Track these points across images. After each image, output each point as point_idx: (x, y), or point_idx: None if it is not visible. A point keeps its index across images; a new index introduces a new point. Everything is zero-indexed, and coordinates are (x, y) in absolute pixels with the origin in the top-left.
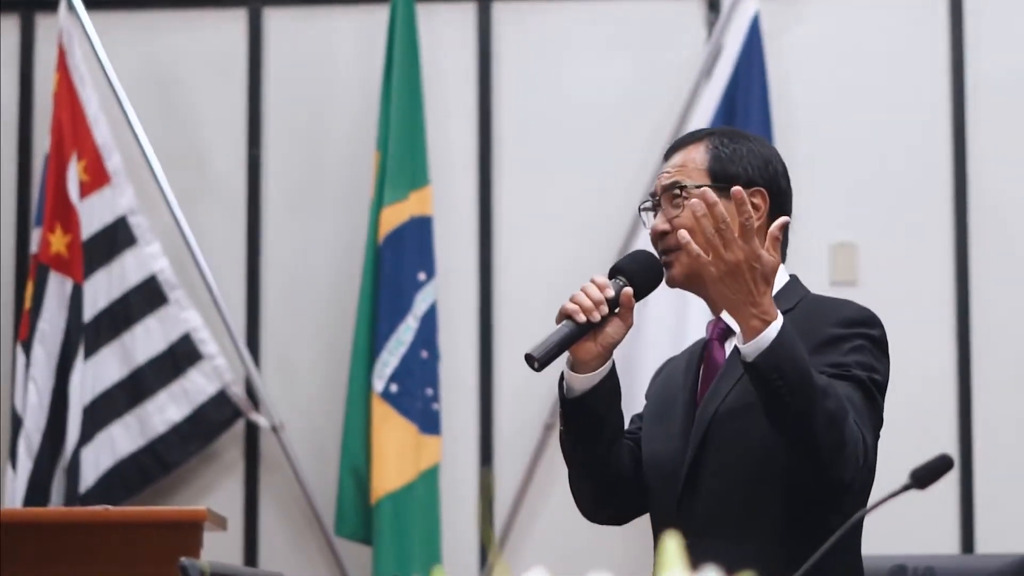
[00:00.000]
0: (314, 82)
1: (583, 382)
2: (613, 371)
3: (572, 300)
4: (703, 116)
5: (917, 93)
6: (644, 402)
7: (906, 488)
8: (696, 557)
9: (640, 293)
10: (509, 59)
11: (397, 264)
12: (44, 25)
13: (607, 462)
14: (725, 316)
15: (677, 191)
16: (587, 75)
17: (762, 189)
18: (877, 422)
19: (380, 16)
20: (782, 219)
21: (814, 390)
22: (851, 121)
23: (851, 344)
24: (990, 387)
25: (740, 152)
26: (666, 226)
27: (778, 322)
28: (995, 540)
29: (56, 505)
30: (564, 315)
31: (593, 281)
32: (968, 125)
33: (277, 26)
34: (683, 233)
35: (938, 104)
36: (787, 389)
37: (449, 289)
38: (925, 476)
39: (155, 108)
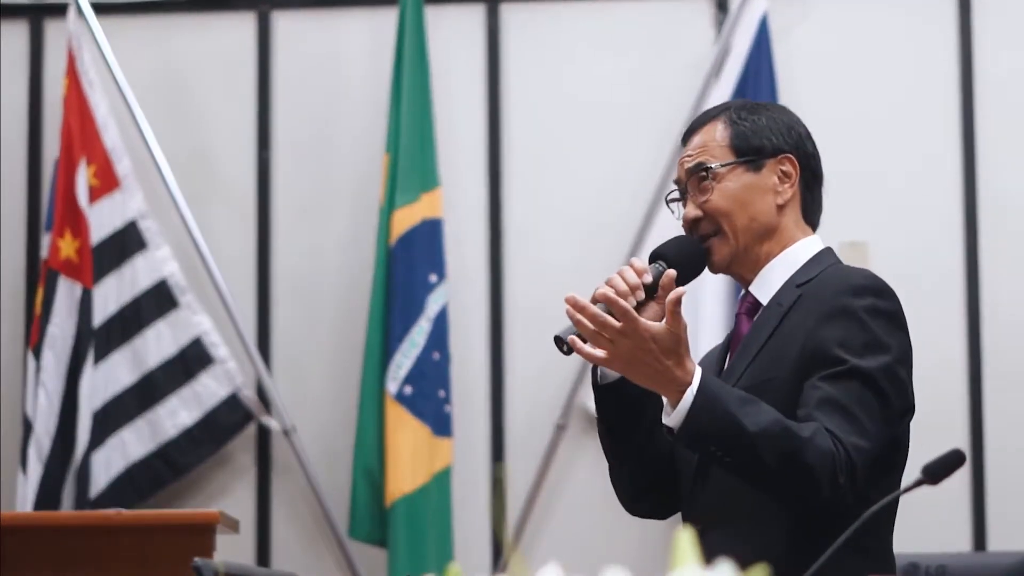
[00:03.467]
0: (323, 85)
1: None
2: None
3: (607, 283)
4: None
5: (926, 92)
6: None
7: (918, 483)
8: (704, 550)
9: (683, 279)
10: (518, 60)
11: (409, 266)
12: (53, 30)
13: (644, 453)
14: (753, 289)
15: (703, 173)
16: (596, 76)
17: (790, 155)
18: (888, 412)
19: (389, 18)
20: (677, 292)
21: (750, 439)
22: (861, 120)
23: (858, 323)
24: (1001, 384)
25: (760, 122)
26: (697, 212)
27: (692, 388)
28: (1007, 537)
29: (67, 510)
30: (597, 299)
31: (631, 265)
32: (977, 123)
33: (286, 29)
34: (572, 339)
35: (947, 102)
36: (721, 450)
37: (459, 291)
38: (937, 471)
39: (164, 112)
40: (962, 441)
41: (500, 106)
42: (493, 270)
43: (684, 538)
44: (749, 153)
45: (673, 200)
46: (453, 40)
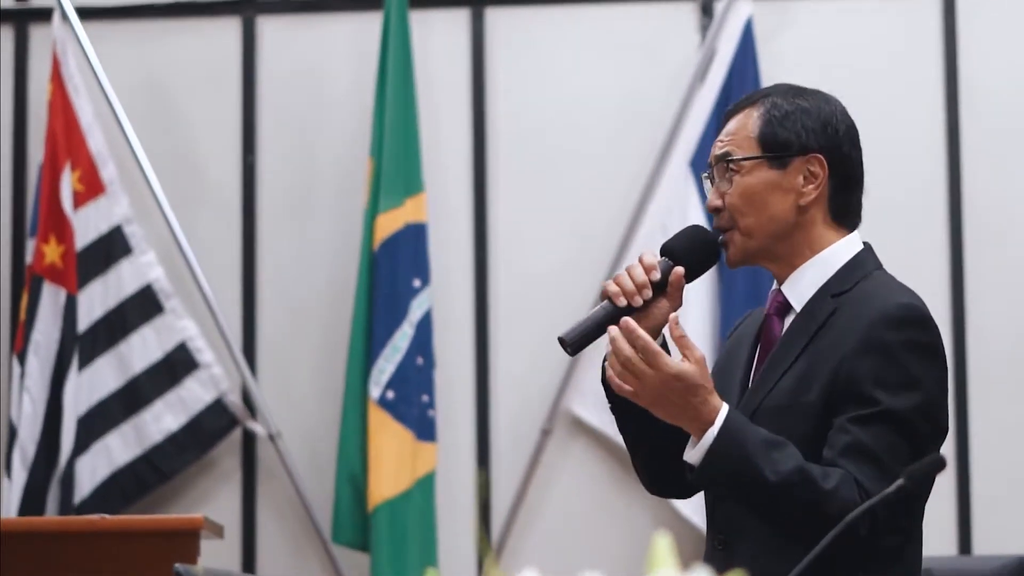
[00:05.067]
0: (308, 90)
1: None
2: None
3: (615, 281)
4: (697, 120)
5: (911, 97)
6: None
7: (899, 488)
8: (728, 563)
9: (693, 273)
10: (503, 65)
11: (392, 271)
12: (38, 35)
13: (666, 440)
14: (785, 290)
15: (727, 164)
16: (581, 81)
17: (819, 156)
18: (919, 451)
19: (373, 23)
20: (672, 319)
21: (768, 488)
22: None
23: (894, 360)
24: (986, 388)
25: (795, 116)
26: (719, 202)
27: (712, 431)
28: (993, 541)
29: (52, 515)
30: (605, 296)
31: (641, 260)
32: (962, 129)
33: (271, 34)
34: (609, 374)
35: (932, 108)
36: (738, 493)
37: (444, 296)
38: (918, 476)
39: (149, 117)
40: (948, 445)
41: (485, 111)
42: (478, 275)
43: (662, 542)
44: (776, 149)
45: (708, 178)
46: (438, 45)
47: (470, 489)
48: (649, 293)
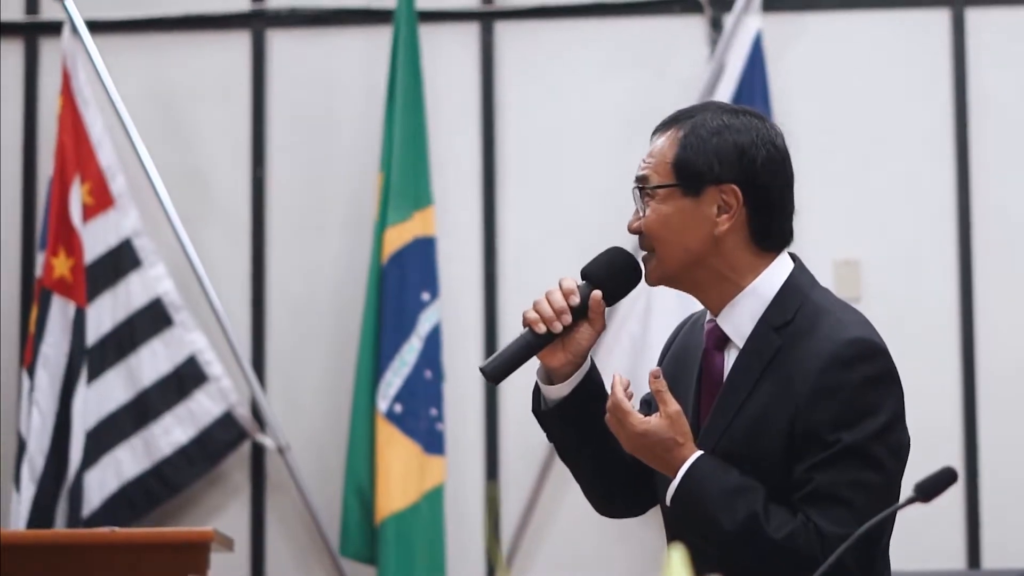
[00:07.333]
0: (317, 103)
1: (554, 392)
2: (591, 375)
3: (534, 307)
4: None
5: (920, 110)
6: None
7: (910, 501)
8: None
9: (613, 297)
10: (512, 78)
11: (401, 284)
12: (48, 49)
13: (602, 461)
14: (722, 323)
15: (644, 187)
16: (590, 93)
17: (734, 186)
18: (886, 474)
19: (383, 36)
20: (653, 370)
21: (725, 536)
22: (854, 138)
23: (849, 399)
24: (995, 402)
25: (710, 144)
26: (637, 224)
27: (675, 481)
28: (1001, 554)
29: (60, 528)
30: (525, 323)
31: (560, 285)
32: (971, 141)
33: (280, 47)
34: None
35: (941, 120)
36: (702, 539)
37: (453, 309)
38: (929, 489)
39: (159, 130)
40: (956, 458)
41: (494, 124)
42: (487, 288)
43: (675, 554)
44: (689, 177)
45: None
46: (447, 58)
47: (479, 502)
48: (569, 319)
